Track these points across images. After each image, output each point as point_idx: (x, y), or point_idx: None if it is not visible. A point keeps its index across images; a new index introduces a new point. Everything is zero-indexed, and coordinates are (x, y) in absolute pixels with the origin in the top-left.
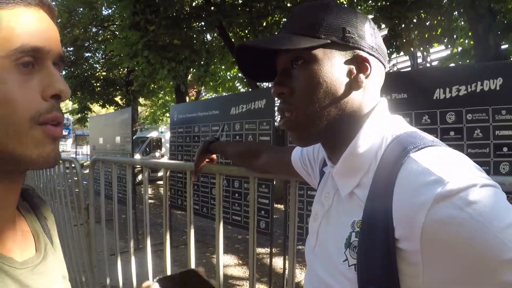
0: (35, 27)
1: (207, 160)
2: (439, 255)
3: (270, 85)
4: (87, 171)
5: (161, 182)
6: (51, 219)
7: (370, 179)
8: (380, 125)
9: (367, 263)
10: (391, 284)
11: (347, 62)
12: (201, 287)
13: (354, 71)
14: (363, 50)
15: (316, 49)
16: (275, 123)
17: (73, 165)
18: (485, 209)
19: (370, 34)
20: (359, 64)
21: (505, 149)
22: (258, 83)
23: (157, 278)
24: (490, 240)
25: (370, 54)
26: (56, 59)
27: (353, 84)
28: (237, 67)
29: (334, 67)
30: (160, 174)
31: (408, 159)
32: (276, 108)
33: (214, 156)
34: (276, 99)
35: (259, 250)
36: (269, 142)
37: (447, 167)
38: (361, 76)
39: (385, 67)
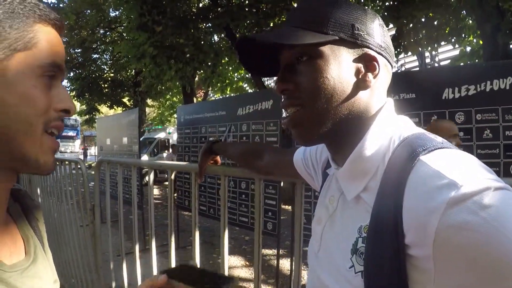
0: (60, 48)
1: (211, 161)
2: (452, 261)
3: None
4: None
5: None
6: (42, 221)
7: (377, 182)
8: (387, 126)
9: (375, 270)
10: None
11: (355, 61)
12: (205, 277)
13: (362, 70)
14: (371, 49)
15: (324, 46)
16: (282, 124)
17: (78, 166)
18: (500, 213)
19: (379, 33)
20: (367, 63)
21: None
22: (265, 84)
23: (161, 270)
24: (505, 245)
25: (378, 53)
26: (63, 78)
27: (361, 83)
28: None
29: (341, 65)
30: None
31: (418, 162)
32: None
33: (218, 158)
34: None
35: (267, 251)
36: (276, 143)
37: (459, 170)
38: (369, 75)
39: (392, 67)
